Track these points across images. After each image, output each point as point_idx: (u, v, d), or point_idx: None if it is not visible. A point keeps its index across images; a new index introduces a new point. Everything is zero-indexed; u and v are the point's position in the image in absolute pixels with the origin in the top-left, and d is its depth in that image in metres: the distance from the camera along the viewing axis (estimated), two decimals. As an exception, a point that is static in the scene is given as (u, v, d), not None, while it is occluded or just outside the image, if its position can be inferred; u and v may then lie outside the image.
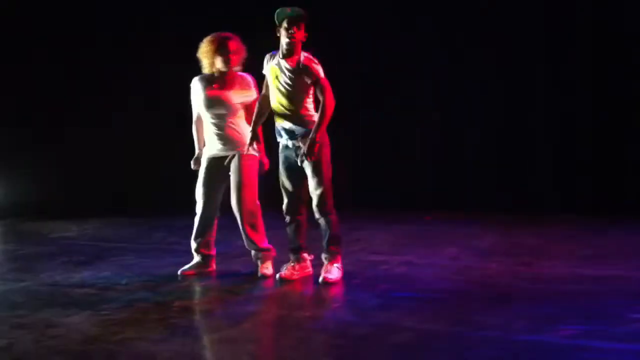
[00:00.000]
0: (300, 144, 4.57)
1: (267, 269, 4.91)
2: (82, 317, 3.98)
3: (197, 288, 4.75)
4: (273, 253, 4.99)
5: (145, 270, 5.23)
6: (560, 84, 7.67)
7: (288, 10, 4.50)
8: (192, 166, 5.06)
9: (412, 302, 4.25)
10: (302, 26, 4.50)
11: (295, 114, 4.59)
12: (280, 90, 4.60)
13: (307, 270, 4.83)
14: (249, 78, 4.94)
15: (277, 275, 4.76)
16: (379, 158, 8.43)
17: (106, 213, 8.12)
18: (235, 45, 4.83)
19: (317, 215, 4.67)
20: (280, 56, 4.58)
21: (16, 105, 8.46)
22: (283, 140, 4.70)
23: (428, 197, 8.01)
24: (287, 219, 4.80)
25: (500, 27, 7.75)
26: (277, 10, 4.52)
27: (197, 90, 4.95)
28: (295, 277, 4.76)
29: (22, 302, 4.35)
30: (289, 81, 4.55)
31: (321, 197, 4.60)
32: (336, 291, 4.52)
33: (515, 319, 3.79)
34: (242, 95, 4.90)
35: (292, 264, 4.80)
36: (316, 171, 4.58)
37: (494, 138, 8.02)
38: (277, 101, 4.62)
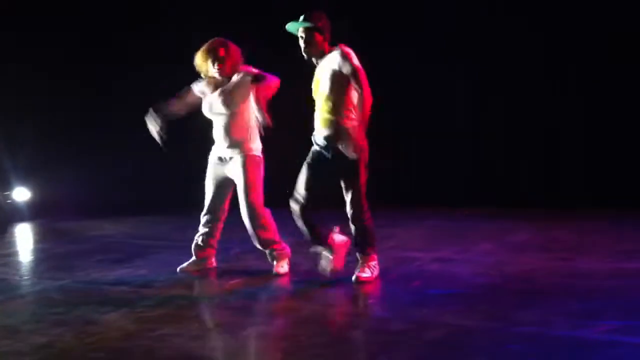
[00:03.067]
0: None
1: (282, 267, 4.89)
2: (119, 314, 4.04)
3: (232, 285, 4.78)
4: (287, 250, 4.95)
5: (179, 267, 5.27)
6: (592, 79, 7.57)
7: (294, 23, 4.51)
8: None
9: (447, 298, 4.23)
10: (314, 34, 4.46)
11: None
12: None
13: (347, 243, 4.68)
14: (245, 77, 4.80)
15: (324, 270, 4.63)
16: (411, 154, 8.40)
17: (140, 211, 8.21)
18: (224, 52, 4.78)
19: (351, 220, 4.57)
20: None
21: (50, 105, 8.60)
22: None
23: (460, 193, 7.97)
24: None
25: (533, 24, 7.67)
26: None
27: (199, 94, 5.02)
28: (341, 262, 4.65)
29: (59, 300, 4.43)
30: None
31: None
32: (370, 288, 4.51)
33: (552, 315, 3.75)
34: (239, 97, 4.82)
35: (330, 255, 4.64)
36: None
37: (527, 132, 7.94)
38: None
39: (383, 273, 4.74)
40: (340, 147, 4.44)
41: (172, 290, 4.58)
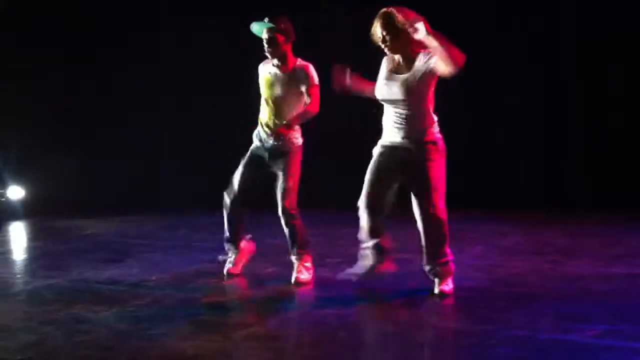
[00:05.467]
0: None
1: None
2: (111, 313, 4.05)
3: (224, 285, 4.79)
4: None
5: (173, 267, 5.29)
6: (591, 81, 7.60)
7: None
8: None
9: (437, 300, 4.25)
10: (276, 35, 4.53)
11: None
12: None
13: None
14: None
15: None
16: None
17: (132, 211, 8.21)
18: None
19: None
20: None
21: (46, 104, 8.60)
22: None
23: (452, 195, 7.97)
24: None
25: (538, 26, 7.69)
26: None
27: None
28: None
29: (51, 299, 4.43)
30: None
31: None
32: (361, 289, 4.53)
33: (541, 318, 3.77)
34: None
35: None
36: None
37: (522, 135, 7.96)
38: None
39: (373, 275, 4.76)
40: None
41: (164, 290, 4.59)
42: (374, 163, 4.26)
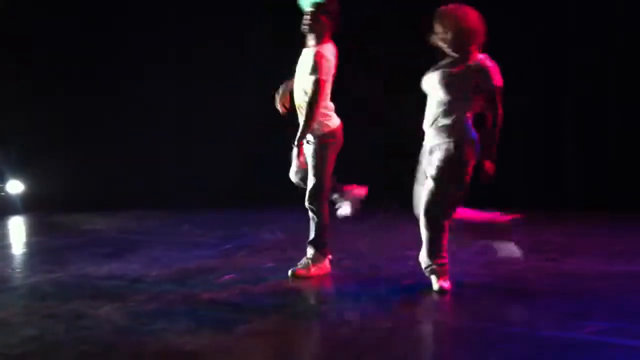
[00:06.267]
0: None
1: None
2: (111, 308, 4.04)
3: (224, 281, 4.79)
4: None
5: (172, 262, 5.29)
6: (588, 78, 7.59)
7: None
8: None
9: (438, 296, 4.25)
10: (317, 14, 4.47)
11: None
12: None
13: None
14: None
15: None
16: (406, 152, 8.42)
17: (132, 206, 8.20)
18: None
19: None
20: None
21: (47, 99, 8.59)
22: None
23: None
24: None
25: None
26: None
27: None
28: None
29: (52, 293, 4.42)
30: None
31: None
32: (361, 285, 4.54)
33: (541, 315, 3.78)
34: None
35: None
36: None
37: (521, 135, 7.96)
38: None
39: (375, 271, 4.77)
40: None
41: (164, 285, 4.59)
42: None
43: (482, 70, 3.99)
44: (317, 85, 4.46)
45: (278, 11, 7.55)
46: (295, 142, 4.51)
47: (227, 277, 4.83)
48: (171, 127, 8.89)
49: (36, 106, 8.50)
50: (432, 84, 4.12)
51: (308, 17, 4.51)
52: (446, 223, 4.22)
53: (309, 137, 4.58)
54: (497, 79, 4.02)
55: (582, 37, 7.56)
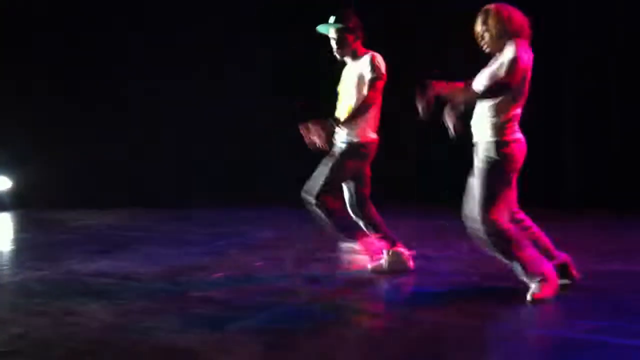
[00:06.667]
0: None
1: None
2: (100, 305, 3.98)
3: (215, 279, 4.74)
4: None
5: (163, 260, 5.23)
6: (583, 84, 7.60)
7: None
8: None
9: (428, 295, 4.22)
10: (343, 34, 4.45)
11: None
12: None
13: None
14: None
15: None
16: (395, 152, 8.41)
17: (124, 202, 8.14)
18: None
19: None
20: None
21: (36, 95, 8.52)
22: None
23: (442, 190, 7.97)
24: None
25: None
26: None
27: None
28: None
29: (40, 291, 4.36)
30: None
31: None
32: (353, 284, 4.50)
33: (532, 314, 3.76)
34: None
35: None
36: None
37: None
38: None
39: (367, 269, 4.73)
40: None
41: (154, 283, 4.53)
42: None
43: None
44: (374, 84, 4.39)
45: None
46: (332, 122, 4.40)
47: (217, 275, 4.78)
48: (162, 124, 8.83)
49: (24, 104, 8.42)
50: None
51: (334, 43, 4.50)
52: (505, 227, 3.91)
53: (344, 137, 4.50)
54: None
55: (582, 37, 7.54)
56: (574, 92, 7.73)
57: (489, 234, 3.88)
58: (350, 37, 4.48)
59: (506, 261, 3.97)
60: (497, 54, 3.93)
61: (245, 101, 8.53)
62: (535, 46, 7.70)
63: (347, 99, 4.54)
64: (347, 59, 4.58)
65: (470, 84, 3.99)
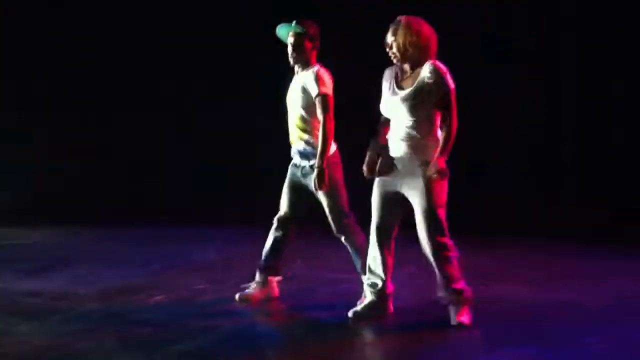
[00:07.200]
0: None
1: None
2: (31, 326, 3.88)
3: (151, 300, 4.66)
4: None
5: (98, 280, 5.11)
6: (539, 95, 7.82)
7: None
8: None
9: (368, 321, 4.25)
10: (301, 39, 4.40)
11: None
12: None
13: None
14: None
15: (237, 296, 4.58)
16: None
17: (56, 221, 7.91)
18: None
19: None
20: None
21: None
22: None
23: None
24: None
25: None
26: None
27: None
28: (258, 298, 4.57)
29: (-34, 310, 4.22)
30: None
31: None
32: (292, 307, 4.49)
33: (467, 340, 3.84)
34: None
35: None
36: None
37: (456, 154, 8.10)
38: None
39: (309, 294, 4.74)
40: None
41: (88, 305, 4.43)
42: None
43: None
44: (325, 100, 4.33)
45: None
46: (316, 166, 4.28)
47: (155, 297, 4.70)
48: (100, 138, 8.63)
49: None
50: None
51: (291, 47, 4.44)
52: None
53: (312, 161, 4.40)
54: None
55: (583, 36, 7.72)
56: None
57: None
58: (309, 44, 4.45)
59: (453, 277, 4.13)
60: (405, 66, 4.02)
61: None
62: (535, 45, 7.71)
63: (294, 112, 4.49)
64: (298, 68, 4.51)
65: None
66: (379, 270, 4.18)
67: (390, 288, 4.25)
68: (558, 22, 7.74)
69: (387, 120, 4.12)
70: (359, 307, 4.20)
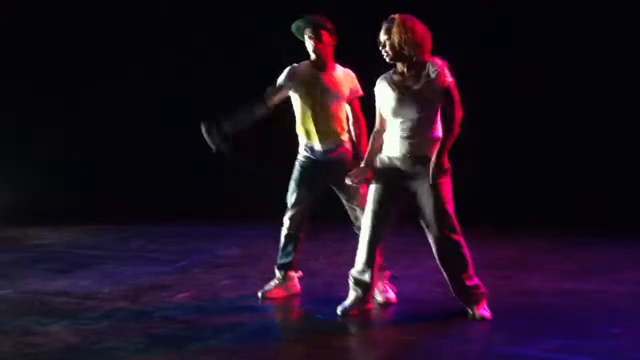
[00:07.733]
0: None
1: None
2: (61, 326, 3.94)
3: (178, 298, 4.71)
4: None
5: (125, 279, 5.19)
6: (550, 88, 7.76)
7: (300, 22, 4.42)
8: None
9: (393, 314, 4.26)
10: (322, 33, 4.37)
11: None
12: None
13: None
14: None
15: (260, 294, 4.64)
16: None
17: (83, 220, 8.02)
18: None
19: None
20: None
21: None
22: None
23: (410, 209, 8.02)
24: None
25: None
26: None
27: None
28: (280, 295, 4.62)
29: (-1, 310, 4.30)
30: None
31: None
32: (319, 303, 4.52)
33: (494, 332, 3.83)
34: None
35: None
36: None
37: (473, 148, 8.05)
38: None
39: (332, 288, 4.76)
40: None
41: (116, 303, 4.50)
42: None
43: None
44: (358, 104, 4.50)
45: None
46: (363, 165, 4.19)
47: (181, 295, 4.75)
48: (124, 138, 8.73)
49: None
50: None
51: (312, 41, 4.36)
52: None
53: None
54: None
55: (582, 36, 7.66)
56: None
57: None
58: (328, 38, 4.39)
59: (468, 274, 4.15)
60: (398, 65, 4.00)
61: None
62: (534, 46, 7.67)
63: (328, 113, 4.46)
64: (321, 63, 4.43)
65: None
66: (366, 267, 4.20)
67: (374, 286, 4.28)
68: (558, 22, 7.68)
69: (380, 131, 4.14)
70: (347, 303, 4.22)
